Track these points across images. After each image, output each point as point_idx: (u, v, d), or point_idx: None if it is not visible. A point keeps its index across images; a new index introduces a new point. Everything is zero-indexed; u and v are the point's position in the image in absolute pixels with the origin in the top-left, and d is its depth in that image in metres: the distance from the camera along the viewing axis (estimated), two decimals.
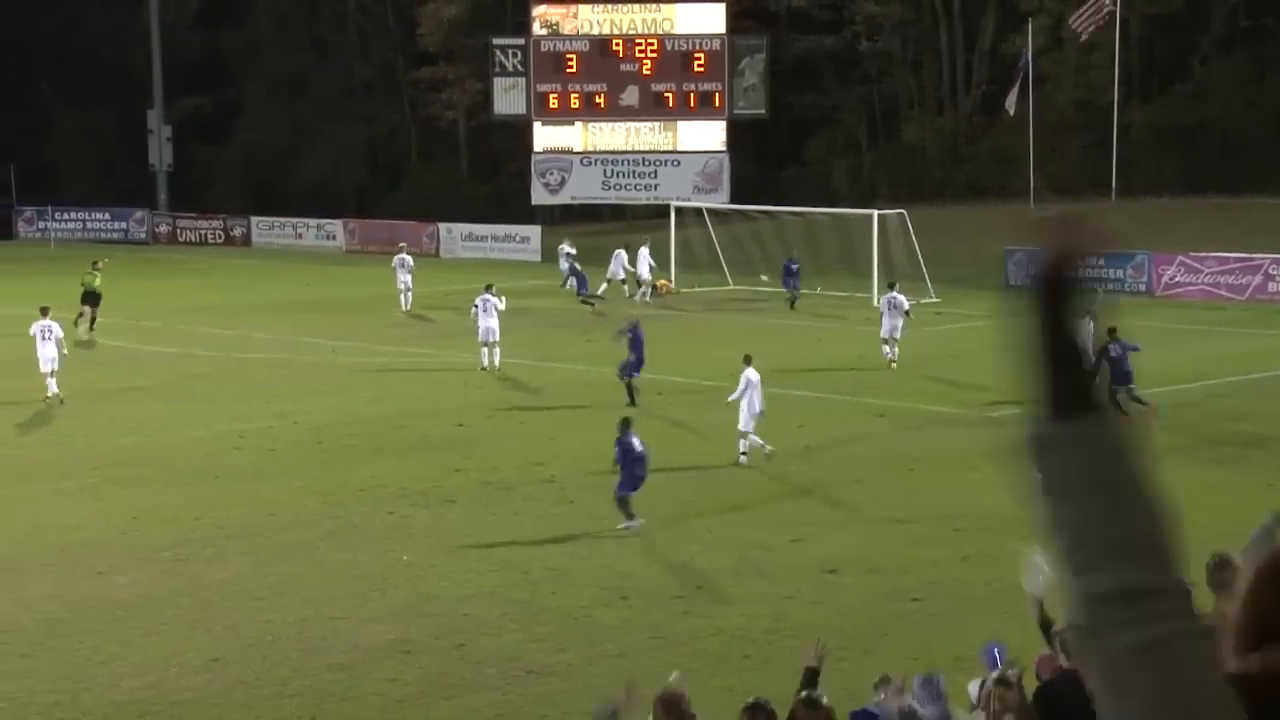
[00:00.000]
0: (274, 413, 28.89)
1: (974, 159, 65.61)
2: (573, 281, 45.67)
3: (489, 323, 33.05)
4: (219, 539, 20.01)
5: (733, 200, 57.35)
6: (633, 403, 27.47)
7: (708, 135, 62.04)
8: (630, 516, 20.34)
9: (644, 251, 47.62)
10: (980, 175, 63.73)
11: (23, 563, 18.93)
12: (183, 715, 14.17)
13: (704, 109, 61.68)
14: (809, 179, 65.42)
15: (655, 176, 62.17)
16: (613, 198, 63.45)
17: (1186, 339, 36.68)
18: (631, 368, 29.17)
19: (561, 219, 62.95)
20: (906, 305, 35.17)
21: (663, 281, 47.99)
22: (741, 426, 24.48)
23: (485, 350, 33.12)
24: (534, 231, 60.70)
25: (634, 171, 62.65)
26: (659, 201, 56.69)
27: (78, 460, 24.74)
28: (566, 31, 62.41)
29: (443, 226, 62.93)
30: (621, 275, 47.17)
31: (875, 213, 46.52)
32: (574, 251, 47.78)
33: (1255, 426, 26.41)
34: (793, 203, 52.41)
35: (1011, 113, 59.26)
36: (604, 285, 46.19)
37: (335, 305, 44.66)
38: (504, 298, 34.04)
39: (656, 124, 62.21)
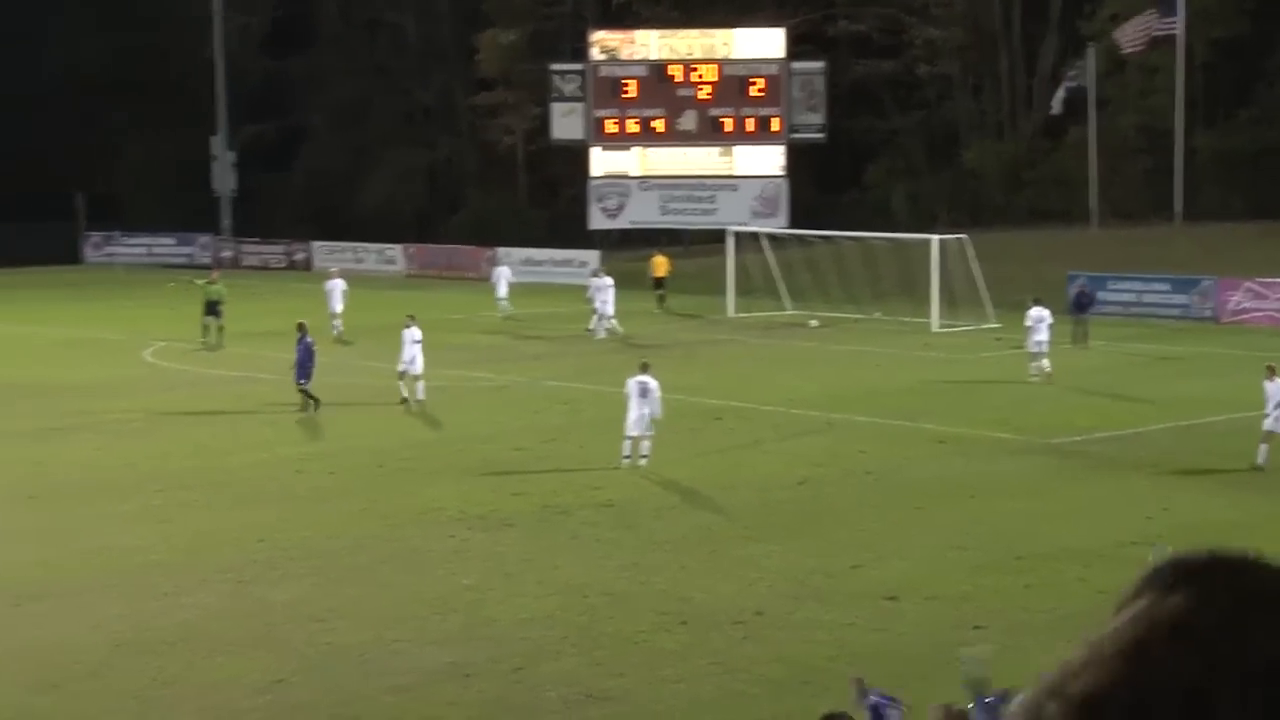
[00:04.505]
0: (335, 435, 29.12)
1: (1035, 183, 65.30)
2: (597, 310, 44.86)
3: (412, 352, 32.18)
4: (281, 561, 20.18)
5: (791, 225, 57.37)
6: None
7: (766, 160, 62.08)
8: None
9: (596, 282, 45.61)
10: (1041, 200, 63.42)
11: (91, 583, 19.15)
12: None
13: (762, 133, 61.73)
14: (867, 204, 65.33)
15: (713, 201, 62.26)
16: (670, 222, 63.56)
17: (1253, 367, 36.36)
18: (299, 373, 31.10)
19: (620, 244, 63.11)
20: (1050, 318, 35.37)
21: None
22: (630, 431, 25.35)
23: (403, 383, 32.17)
24: (592, 256, 60.85)
25: (691, 196, 62.77)
26: (717, 226, 56.73)
27: (143, 482, 25.02)
28: (624, 57, 62.66)
29: (501, 251, 63.24)
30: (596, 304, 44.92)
31: (936, 238, 46.41)
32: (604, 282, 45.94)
33: None
34: (851, 228, 52.37)
35: (1054, 111, 59.07)
36: (595, 317, 44.53)
37: (395, 329, 44.93)
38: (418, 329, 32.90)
39: (714, 149, 62.32)
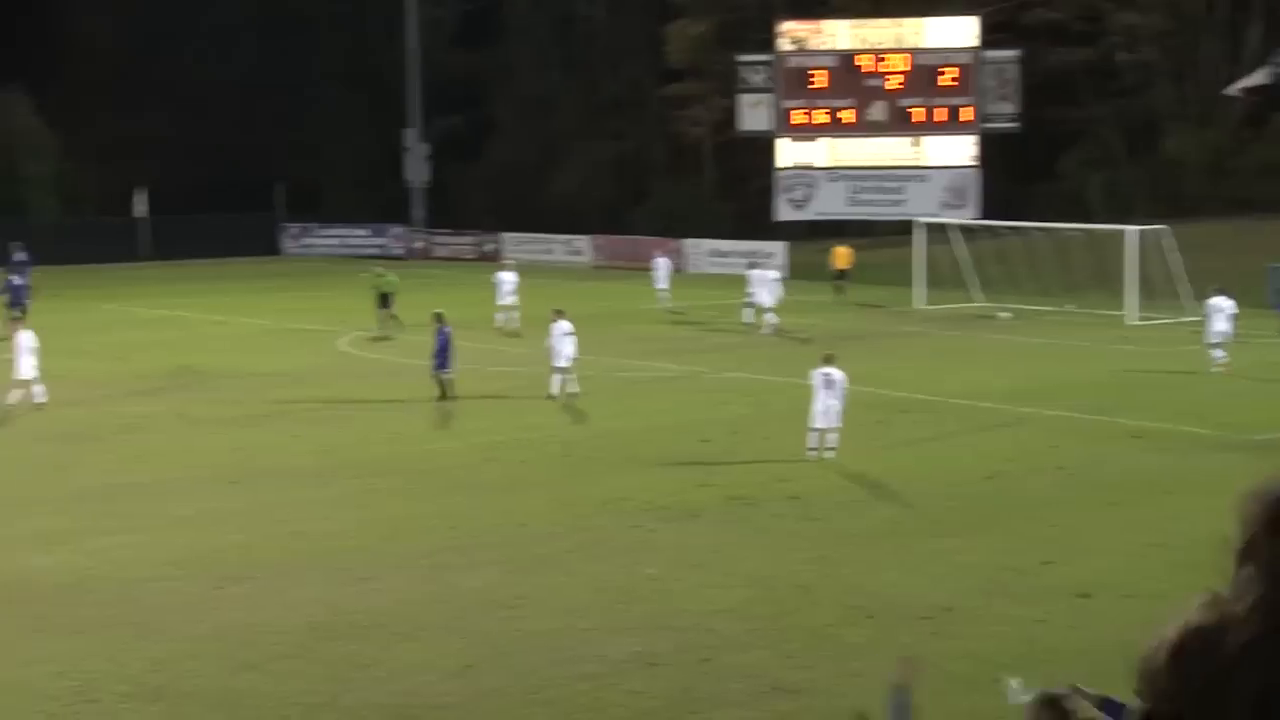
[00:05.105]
0: (524, 425, 29.47)
1: (1239, 172, 63.36)
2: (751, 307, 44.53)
3: (561, 345, 32.11)
4: (472, 548, 20.48)
5: (982, 216, 56.54)
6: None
7: (956, 150, 61.27)
8: None
9: (755, 274, 45.29)
10: (1245, 189, 61.52)
11: (289, 567, 19.66)
12: None
13: (953, 123, 60.93)
14: (1061, 194, 64.04)
15: (902, 192, 61.65)
16: (858, 214, 63.08)
17: None
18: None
19: (807, 235, 62.82)
20: (1233, 309, 34.58)
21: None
22: (816, 423, 25.67)
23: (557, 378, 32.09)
24: (778, 247, 60.67)
25: (880, 187, 62.23)
26: (905, 217, 56.14)
27: (340, 469, 25.61)
28: (813, 47, 62.32)
29: (688, 242, 63.41)
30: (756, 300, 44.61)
31: (1134, 228, 45.35)
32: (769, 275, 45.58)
33: None
34: (1044, 218, 51.41)
35: (1232, 94, 57.26)
36: (750, 311, 44.19)
37: (581, 320, 45.32)
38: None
39: (904, 139, 61.69)
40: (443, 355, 31.88)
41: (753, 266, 46.81)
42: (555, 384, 32.08)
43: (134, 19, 78.90)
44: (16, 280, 46.29)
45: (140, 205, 71.80)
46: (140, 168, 72.21)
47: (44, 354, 31.37)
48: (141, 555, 20.20)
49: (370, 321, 43.17)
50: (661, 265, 50.01)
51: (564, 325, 32.41)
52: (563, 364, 32.11)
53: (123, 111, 77.06)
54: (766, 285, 44.12)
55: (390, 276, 44.04)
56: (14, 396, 30.89)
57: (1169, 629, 1.72)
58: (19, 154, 74.48)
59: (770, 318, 43.47)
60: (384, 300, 42.91)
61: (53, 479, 24.86)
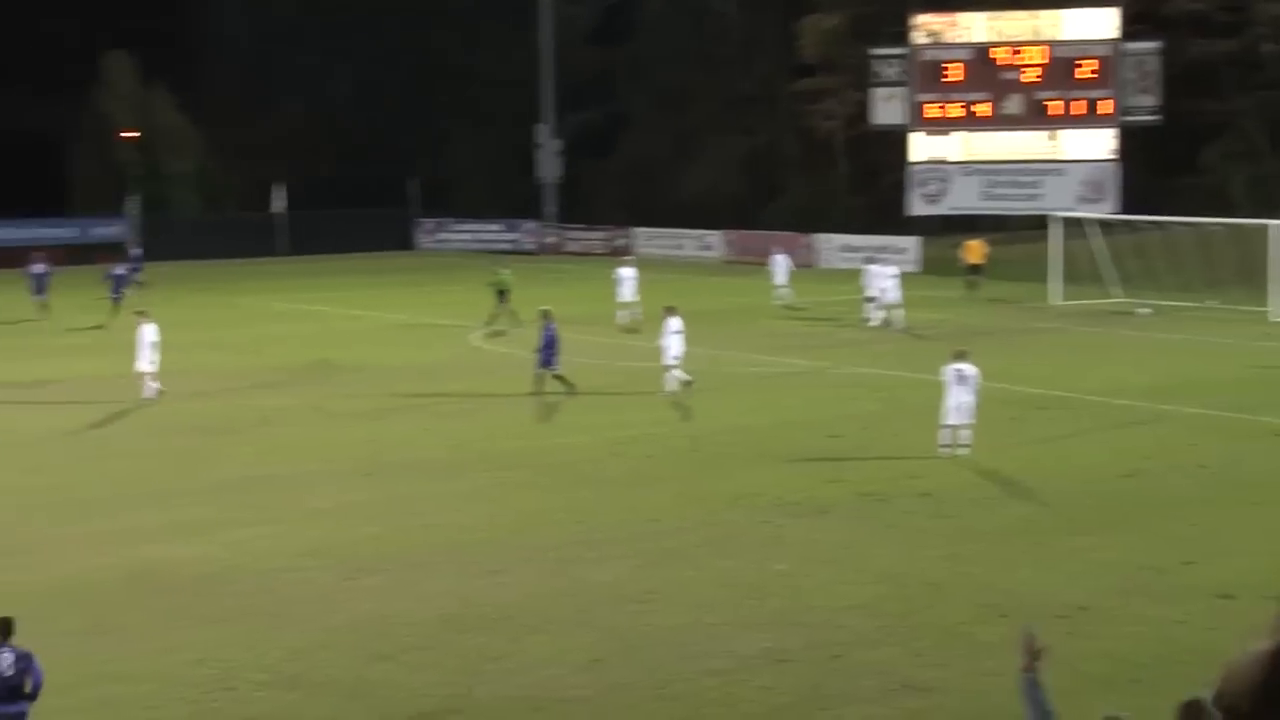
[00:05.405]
0: (651, 420, 29.49)
1: None
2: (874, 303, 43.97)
3: (670, 342, 31.99)
4: (600, 543, 20.52)
5: (1121, 210, 55.56)
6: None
7: (1094, 144, 60.30)
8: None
9: (874, 269, 44.84)
10: None
11: (421, 559, 19.84)
12: (569, 713, 14.57)
13: (1091, 117, 59.95)
14: (1202, 189, 62.67)
15: (1037, 186, 60.79)
16: (993, 208, 62.31)
17: None
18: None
19: (940, 230, 62.19)
20: None
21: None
22: (948, 419, 25.43)
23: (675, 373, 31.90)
24: (911, 242, 60.13)
25: (1015, 181, 61.42)
26: (1041, 212, 55.34)
27: (470, 462, 25.81)
28: (948, 40, 61.67)
29: (818, 237, 63.07)
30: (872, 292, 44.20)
31: None
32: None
33: None
34: (1185, 213, 50.37)
35: None
36: (871, 306, 43.76)
37: (711, 315, 45.35)
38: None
39: (1040, 133, 60.83)
40: (548, 351, 31.93)
41: (871, 262, 46.39)
42: (671, 381, 32.06)
43: (271, 18, 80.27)
44: (118, 270, 48.49)
45: (278, 201, 73.06)
46: (278, 164, 73.50)
47: (182, 348, 32.10)
48: (278, 546, 20.51)
49: (487, 317, 43.48)
50: (779, 261, 49.69)
51: (674, 322, 32.38)
52: (671, 360, 32.09)
53: (260, 109, 78.52)
54: (885, 281, 43.67)
55: (505, 273, 44.27)
56: (149, 390, 31.61)
57: (1262, 644, 1.66)
58: (163, 151, 76.14)
59: (888, 314, 43.09)
60: (501, 296, 43.22)
61: (192, 471, 25.34)
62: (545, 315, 32.39)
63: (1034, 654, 8.88)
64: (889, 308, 43.14)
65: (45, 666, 12.46)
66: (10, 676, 12.17)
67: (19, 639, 12.46)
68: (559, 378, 31.78)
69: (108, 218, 69.83)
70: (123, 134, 75.76)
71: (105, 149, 75.68)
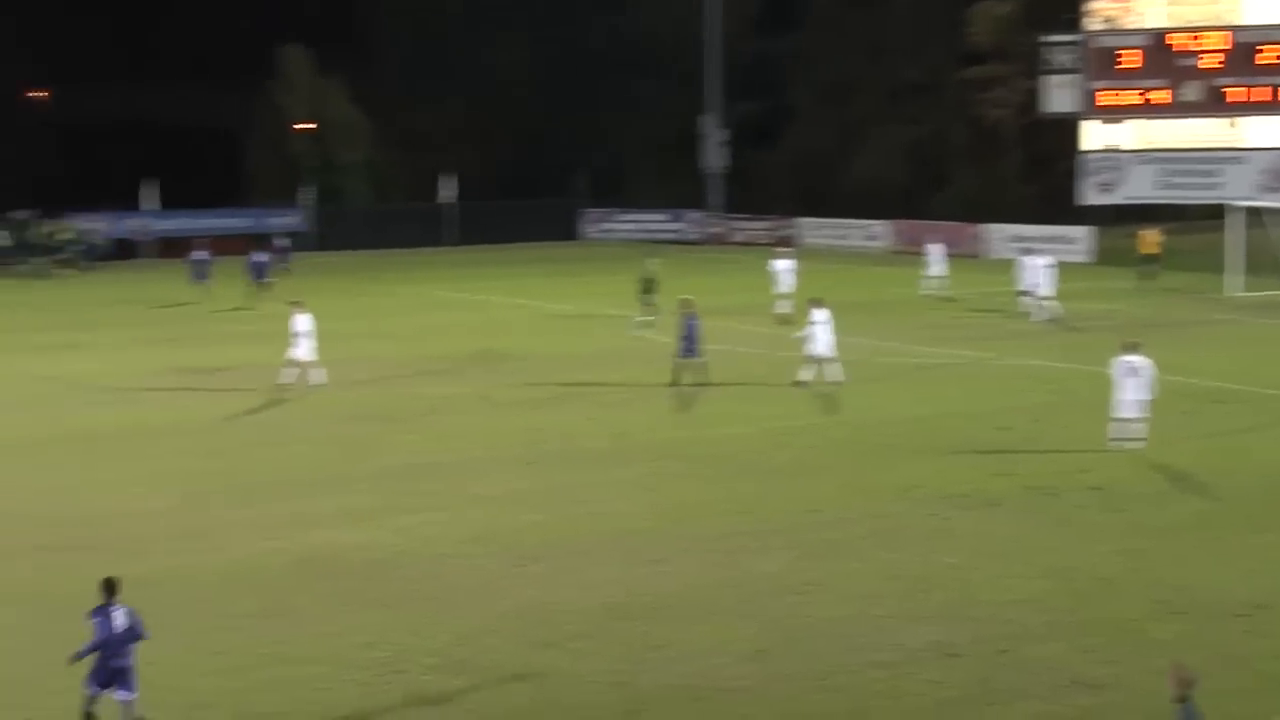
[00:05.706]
0: (813, 410, 29.29)
1: None
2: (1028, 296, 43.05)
3: (812, 333, 31.79)
4: (763, 533, 20.43)
5: None
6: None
7: (1277, 131, 58.48)
8: None
9: (1028, 261, 43.65)
10: None
11: (584, 547, 19.93)
12: (731, 703, 14.52)
13: (1275, 104, 58.14)
14: None
15: (1216, 175, 59.14)
16: (1168, 197, 60.78)
17: None
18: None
19: (1114, 219, 60.88)
20: None
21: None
22: (1119, 412, 25.13)
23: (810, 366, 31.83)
24: (1082, 232, 58.95)
25: (1192, 170, 59.83)
26: (1220, 201, 53.87)
27: (632, 451, 25.85)
28: (1124, 26, 60.30)
29: (986, 227, 62.11)
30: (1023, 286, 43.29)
31: None
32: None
33: None
34: None
35: None
36: (1028, 300, 42.62)
37: (873, 306, 44.92)
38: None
39: (1219, 120, 59.15)
40: (689, 341, 31.84)
41: (1026, 253, 45.47)
42: (807, 372, 31.77)
43: (441, 9, 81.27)
44: (259, 257, 50.44)
45: (447, 191, 74.00)
46: (446, 155, 74.41)
47: (346, 338, 32.47)
48: (444, 533, 20.75)
49: (636, 308, 43.41)
50: (934, 251, 49.00)
51: (821, 314, 32.10)
52: (820, 351, 31.81)
53: (430, 100, 79.53)
54: (1040, 272, 42.72)
55: (655, 265, 44.14)
56: (289, 375, 32.06)
57: None
58: (336, 143, 77.53)
59: (1037, 304, 42.18)
60: (647, 287, 43.03)
61: (360, 458, 25.74)
62: (685, 305, 32.35)
63: (1186, 683, 8.72)
64: (1042, 299, 42.25)
65: (221, 648, 12.75)
66: (123, 633, 13.15)
67: (191, 620, 12.76)
68: (698, 369, 31.70)
69: (283, 208, 71.37)
70: (297, 126, 77.30)
71: (280, 141, 77.29)
